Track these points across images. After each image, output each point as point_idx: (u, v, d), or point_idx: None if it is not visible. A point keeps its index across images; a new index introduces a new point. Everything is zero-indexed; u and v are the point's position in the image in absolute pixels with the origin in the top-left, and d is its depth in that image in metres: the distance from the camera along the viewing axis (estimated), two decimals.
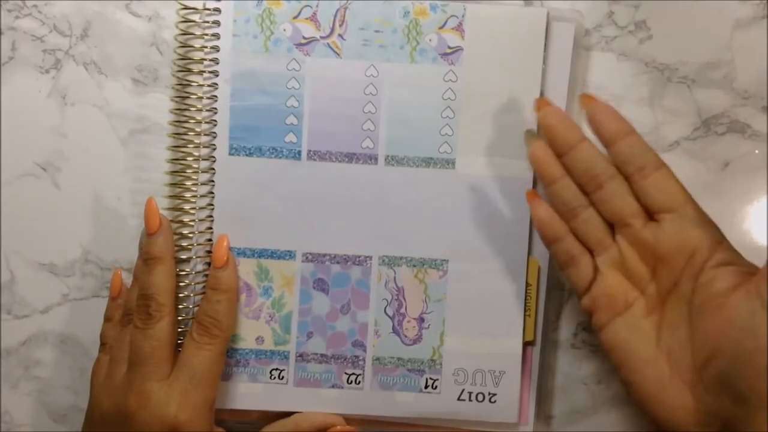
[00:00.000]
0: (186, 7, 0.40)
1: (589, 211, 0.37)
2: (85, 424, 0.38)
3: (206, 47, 0.40)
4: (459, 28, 0.41)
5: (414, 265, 0.41)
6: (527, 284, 0.41)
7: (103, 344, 0.40)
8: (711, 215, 0.35)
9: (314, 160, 0.41)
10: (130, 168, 0.42)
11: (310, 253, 0.41)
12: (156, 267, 0.38)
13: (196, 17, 0.40)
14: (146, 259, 0.38)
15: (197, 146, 0.40)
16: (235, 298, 0.40)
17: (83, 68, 0.42)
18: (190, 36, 0.40)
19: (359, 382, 0.41)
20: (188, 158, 0.40)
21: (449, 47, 0.41)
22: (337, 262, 0.41)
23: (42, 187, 0.42)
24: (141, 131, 0.42)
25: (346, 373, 0.41)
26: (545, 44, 0.41)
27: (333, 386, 0.41)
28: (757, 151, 0.43)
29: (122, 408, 0.36)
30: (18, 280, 0.42)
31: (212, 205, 0.40)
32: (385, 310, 0.41)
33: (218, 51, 0.40)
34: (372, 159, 0.41)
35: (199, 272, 0.40)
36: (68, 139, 0.42)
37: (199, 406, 0.37)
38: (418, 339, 0.42)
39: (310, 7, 0.40)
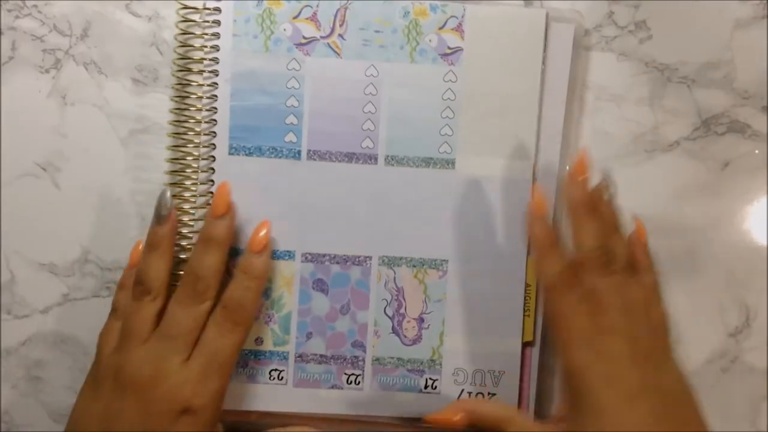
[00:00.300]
0: (186, 7, 0.40)
1: None
2: (87, 388, 0.37)
3: (206, 47, 0.40)
4: (459, 29, 0.41)
5: (414, 266, 0.41)
6: (526, 284, 0.41)
7: (114, 310, 0.39)
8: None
9: (314, 159, 0.41)
10: (130, 168, 0.42)
11: (310, 254, 0.41)
12: (214, 250, 0.37)
13: (196, 17, 0.40)
14: (206, 239, 0.37)
15: (197, 146, 0.40)
16: (263, 288, 0.39)
17: (83, 68, 0.42)
18: (190, 36, 0.40)
19: (359, 382, 0.41)
20: (188, 158, 0.40)
21: (449, 48, 0.41)
22: (337, 263, 0.41)
23: (42, 187, 0.42)
24: (141, 131, 0.42)
25: (345, 374, 0.41)
26: (545, 45, 0.41)
27: (332, 387, 0.41)
28: (757, 151, 0.43)
29: (136, 379, 0.35)
30: (18, 280, 0.42)
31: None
32: (384, 311, 0.41)
33: (218, 51, 0.40)
34: (372, 159, 0.41)
35: None
36: (68, 139, 0.42)
37: (214, 392, 0.36)
38: (417, 339, 0.41)
39: (311, 7, 0.40)
